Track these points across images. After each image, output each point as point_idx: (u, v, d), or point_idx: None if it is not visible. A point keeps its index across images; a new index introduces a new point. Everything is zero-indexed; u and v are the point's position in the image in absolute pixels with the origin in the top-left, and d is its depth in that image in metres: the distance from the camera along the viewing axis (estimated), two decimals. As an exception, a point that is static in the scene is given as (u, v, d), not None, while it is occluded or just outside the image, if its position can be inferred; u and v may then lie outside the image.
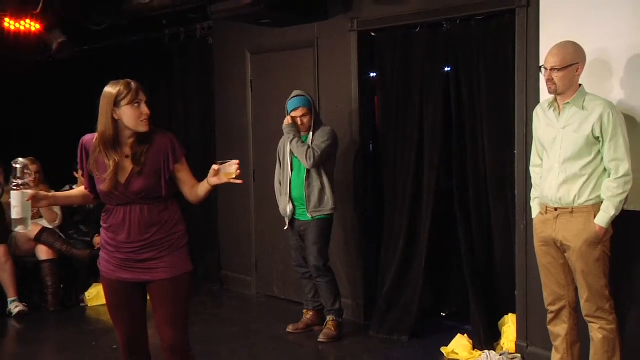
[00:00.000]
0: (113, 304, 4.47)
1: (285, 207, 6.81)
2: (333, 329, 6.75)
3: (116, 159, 4.19)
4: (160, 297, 4.33)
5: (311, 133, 6.64)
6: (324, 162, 6.60)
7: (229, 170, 4.26)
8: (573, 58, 4.73)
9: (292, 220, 6.83)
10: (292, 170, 6.75)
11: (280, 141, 6.93)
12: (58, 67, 9.01)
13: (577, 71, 4.76)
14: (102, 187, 4.24)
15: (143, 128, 4.21)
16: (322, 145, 6.54)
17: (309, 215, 6.66)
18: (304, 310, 7.11)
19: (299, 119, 6.61)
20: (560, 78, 4.73)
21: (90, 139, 4.32)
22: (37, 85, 9.40)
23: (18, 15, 8.21)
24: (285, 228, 6.91)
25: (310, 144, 6.57)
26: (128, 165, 4.23)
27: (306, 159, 6.50)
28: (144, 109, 4.20)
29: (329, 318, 6.80)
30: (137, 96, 4.19)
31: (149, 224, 4.28)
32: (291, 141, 6.58)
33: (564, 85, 4.76)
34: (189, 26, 8.90)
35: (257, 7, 6.87)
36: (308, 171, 6.60)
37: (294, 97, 6.67)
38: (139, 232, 4.29)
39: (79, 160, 4.35)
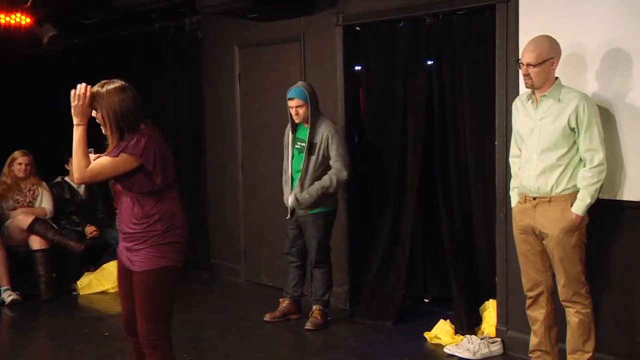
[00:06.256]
0: (118, 282, 4.75)
1: (288, 197, 6.84)
2: (320, 317, 6.84)
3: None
4: (135, 288, 4.46)
5: (309, 125, 6.67)
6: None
7: None
8: (548, 53, 4.87)
9: (294, 209, 6.84)
10: (292, 161, 6.83)
11: (286, 130, 6.97)
12: (49, 61, 9.02)
13: (552, 65, 4.90)
14: None
15: None
16: (342, 152, 6.61)
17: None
18: (281, 299, 7.16)
19: (294, 109, 6.65)
20: (536, 73, 4.87)
21: None
22: (28, 79, 9.43)
23: (9, 8, 8.20)
24: (287, 217, 6.93)
25: (315, 146, 6.64)
26: None
27: (341, 183, 6.64)
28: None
29: (316, 307, 6.89)
30: None
31: (132, 216, 4.44)
32: (318, 192, 6.61)
33: (540, 80, 4.90)
34: (178, 20, 8.95)
35: (245, 1, 6.95)
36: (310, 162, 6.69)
37: (291, 87, 6.70)
38: (124, 221, 4.49)
39: None
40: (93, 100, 4.34)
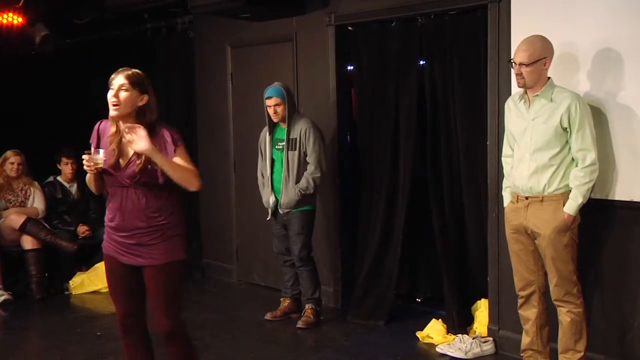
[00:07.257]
0: (110, 282, 4.64)
1: (268, 199, 6.88)
2: (312, 316, 6.86)
3: (113, 139, 4.35)
4: (151, 283, 4.43)
5: (286, 123, 6.72)
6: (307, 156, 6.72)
7: (96, 158, 4.30)
8: (541, 53, 4.88)
9: (275, 210, 6.90)
10: (273, 163, 6.87)
11: (261, 133, 7.02)
12: (42, 61, 8.98)
13: (544, 65, 4.91)
14: (105, 166, 4.33)
15: (112, 112, 4.32)
16: (318, 149, 6.67)
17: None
18: (282, 299, 7.19)
19: (272, 107, 6.71)
20: (529, 73, 4.88)
21: (106, 122, 4.48)
22: (20, 79, 9.37)
23: (0, 8, 8.20)
24: (268, 219, 6.99)
25: (292, 142, 6.69)
26: (130, 150, 4.32)
27: (318, 183, 6.69)
28: (109, 96, 4.30)
29: (308, 306, 6.90)
30: (110, 83, 4.33)
31: (146, 210, 4.37)
32: (300, 193, 6.69)
33: (532, 80, 4.91)
34: (170, 20, 8.95)
35: (237, 1, 6.95)
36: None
37: (268, 87, 6.77)
38: (134, 217, 4.38)
39: (91, 140, 4.52)
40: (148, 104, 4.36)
